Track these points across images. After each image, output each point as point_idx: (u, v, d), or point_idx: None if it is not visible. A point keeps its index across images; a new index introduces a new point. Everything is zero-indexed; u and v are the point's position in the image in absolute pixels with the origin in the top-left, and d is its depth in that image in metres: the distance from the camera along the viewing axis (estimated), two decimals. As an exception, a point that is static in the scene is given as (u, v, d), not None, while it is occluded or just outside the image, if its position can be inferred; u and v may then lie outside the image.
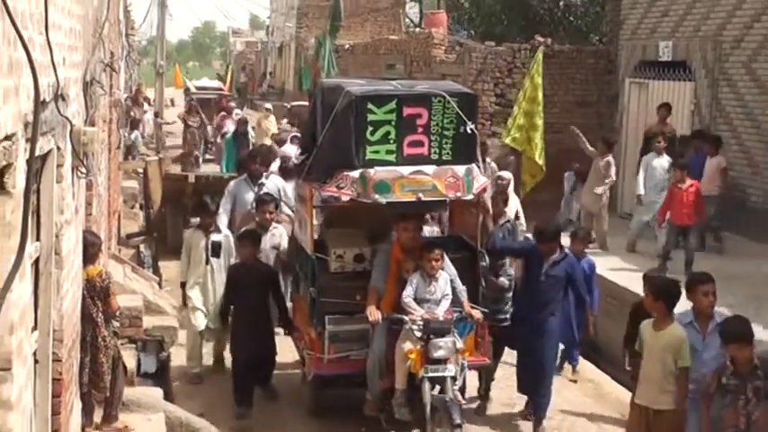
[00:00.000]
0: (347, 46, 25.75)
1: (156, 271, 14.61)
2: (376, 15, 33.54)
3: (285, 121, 20.42)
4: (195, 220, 12.39)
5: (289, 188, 11.31)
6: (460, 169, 8.10)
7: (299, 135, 14.41)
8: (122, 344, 8.49)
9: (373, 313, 7.84)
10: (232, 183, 11.67)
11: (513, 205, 11.21)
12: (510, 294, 9.01)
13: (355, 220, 8.91)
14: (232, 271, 9.23)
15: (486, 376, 9.12)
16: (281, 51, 46.22)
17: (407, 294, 7.91)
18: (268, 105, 22.16)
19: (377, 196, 7.85)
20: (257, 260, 9.19)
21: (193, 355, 9.80)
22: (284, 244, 9.80)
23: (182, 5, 53.50)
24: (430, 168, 8.02)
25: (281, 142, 16.94)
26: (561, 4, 30.65)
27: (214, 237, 9.75)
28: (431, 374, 7.63)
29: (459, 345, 7.85)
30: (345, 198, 8.11)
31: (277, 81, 45.95)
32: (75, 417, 6.43)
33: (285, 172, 12.03)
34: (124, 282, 10.97)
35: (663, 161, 14.11)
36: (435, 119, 8.08)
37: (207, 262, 9.67)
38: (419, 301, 7.93)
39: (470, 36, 28.12)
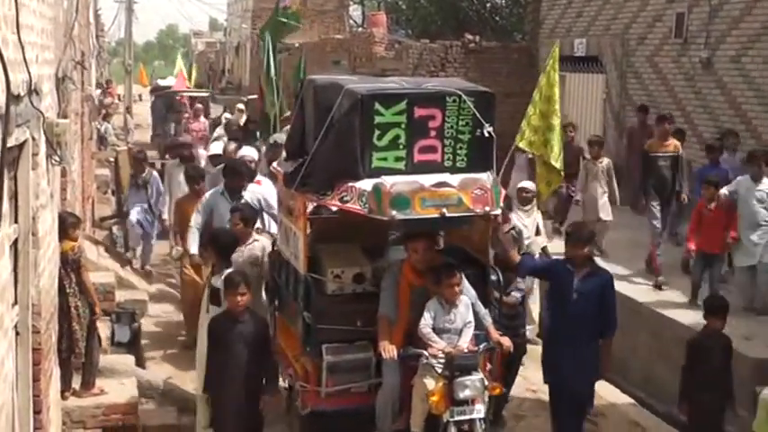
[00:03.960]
0: (297, 45, 25.49)
1: (127, 250, 14.42)
2: (323, 17, 33.29)
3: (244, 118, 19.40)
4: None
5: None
6: (488, 180, 6.29)
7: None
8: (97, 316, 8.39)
9: (388, 350, 6.09)
10: (207, 194, 8.99)
11: (536, 220, 9.36)
12: (523, 310, 7.68)
13: (345, 231, 6.97)
14: (213, 326, 6.58)
15: (497, 400, 6.91)
16: (237, 51, 45.82)
17: (426, 324, 6.18)
18: (240, 105, 20.98)
19: (394, 213, 5.99)
20: (248, 310, 6.55)
21: (203, 419, 6.98)
22: (264, 257, 7.65)
23: (147, 9, 52.80)
24: (454, 179, 6.19)
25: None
26: (488, 5, 30.83)
27: (216, 281, 6.93)
28: (457, 418, 6.02)
29: (487, 382, 6.22)
30: (332, 208, 6.21)
31: (234, 78, 45.61)
32: (55, 383, 6.35)
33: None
34: (98, 260, 10.84)
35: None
36: (450, 121, 6.30)
37: (207, 310, 7.05)
38: (438, 331, 6.21)
39: (408, 35, 28.07)
